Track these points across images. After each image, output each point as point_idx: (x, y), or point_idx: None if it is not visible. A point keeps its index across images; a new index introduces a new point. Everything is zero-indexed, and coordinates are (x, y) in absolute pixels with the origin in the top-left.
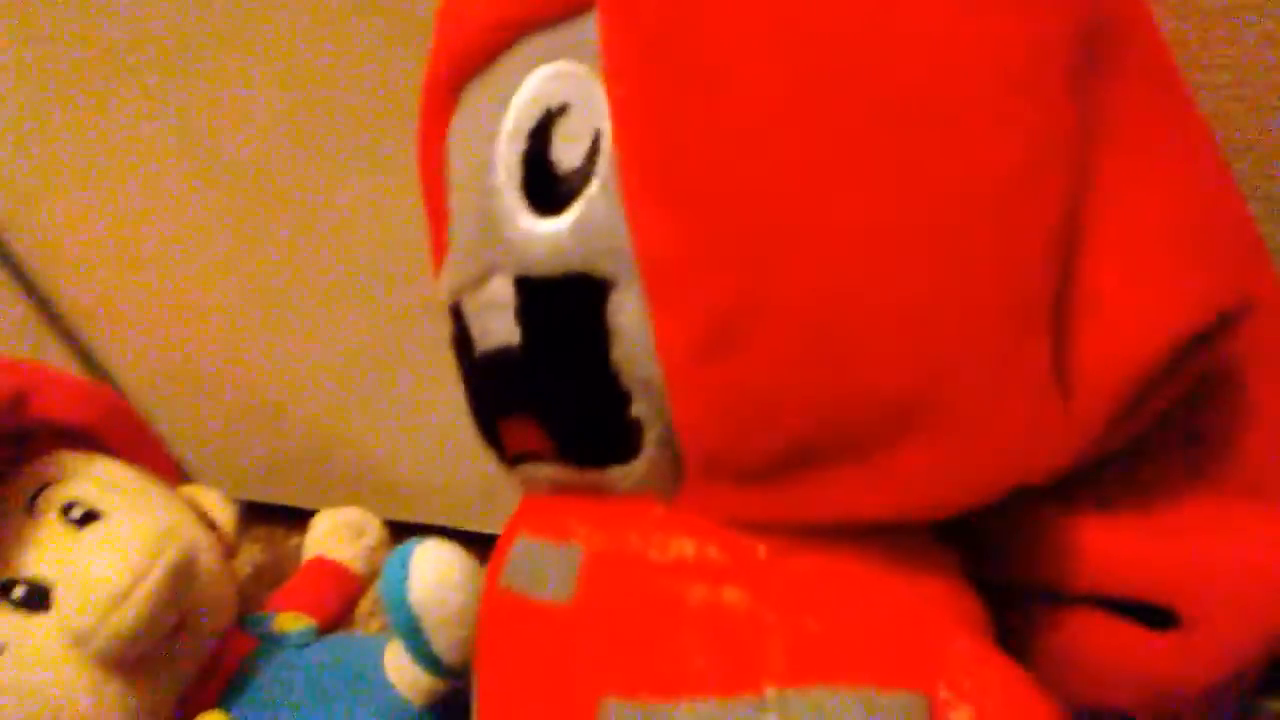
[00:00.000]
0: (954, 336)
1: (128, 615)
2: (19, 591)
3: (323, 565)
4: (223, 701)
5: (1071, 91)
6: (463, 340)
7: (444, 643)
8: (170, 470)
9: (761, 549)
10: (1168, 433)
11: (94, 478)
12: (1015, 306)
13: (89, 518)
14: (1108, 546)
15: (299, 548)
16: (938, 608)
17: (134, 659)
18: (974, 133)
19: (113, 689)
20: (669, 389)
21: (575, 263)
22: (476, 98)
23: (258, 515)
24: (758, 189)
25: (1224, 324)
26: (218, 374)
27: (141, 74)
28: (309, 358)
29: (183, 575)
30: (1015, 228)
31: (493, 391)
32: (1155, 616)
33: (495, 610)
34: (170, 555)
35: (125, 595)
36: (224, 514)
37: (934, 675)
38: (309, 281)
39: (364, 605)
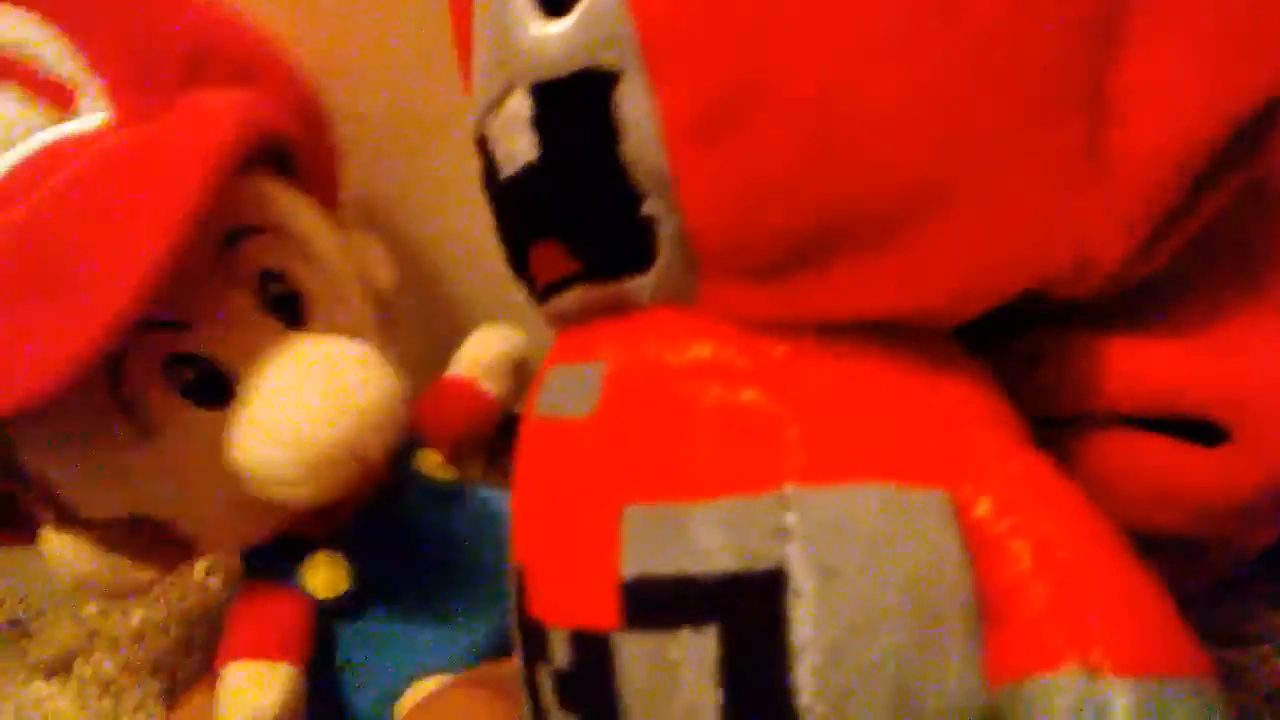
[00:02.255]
0: (972, 114)
1: (323, 489)
2: (189, 374)
3: (473, 394)
4: (345, 537)
5: None
6: (489, 172)
7: None
8: (336, 190)
9: (780, 349)
10: (1211, 247)
11: (298, 241)
12: (1042, 83)
13: (290, 306)
14: (1150, 364)
15: None
16: (965, 409)
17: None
18: None
19: (238, 509)
20: (675, 178)
21: (582, 58)
22: None
23: None
24: None
25: (1273, 113)
26: None
27: None
28: None
29: (388, 455)
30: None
31: (519, 218)
32: (1200, 433)
33: (527, 439)
34: (390, 435)
35: (330, 468)
36: (385, 272)
37: (958, 473)
38: None
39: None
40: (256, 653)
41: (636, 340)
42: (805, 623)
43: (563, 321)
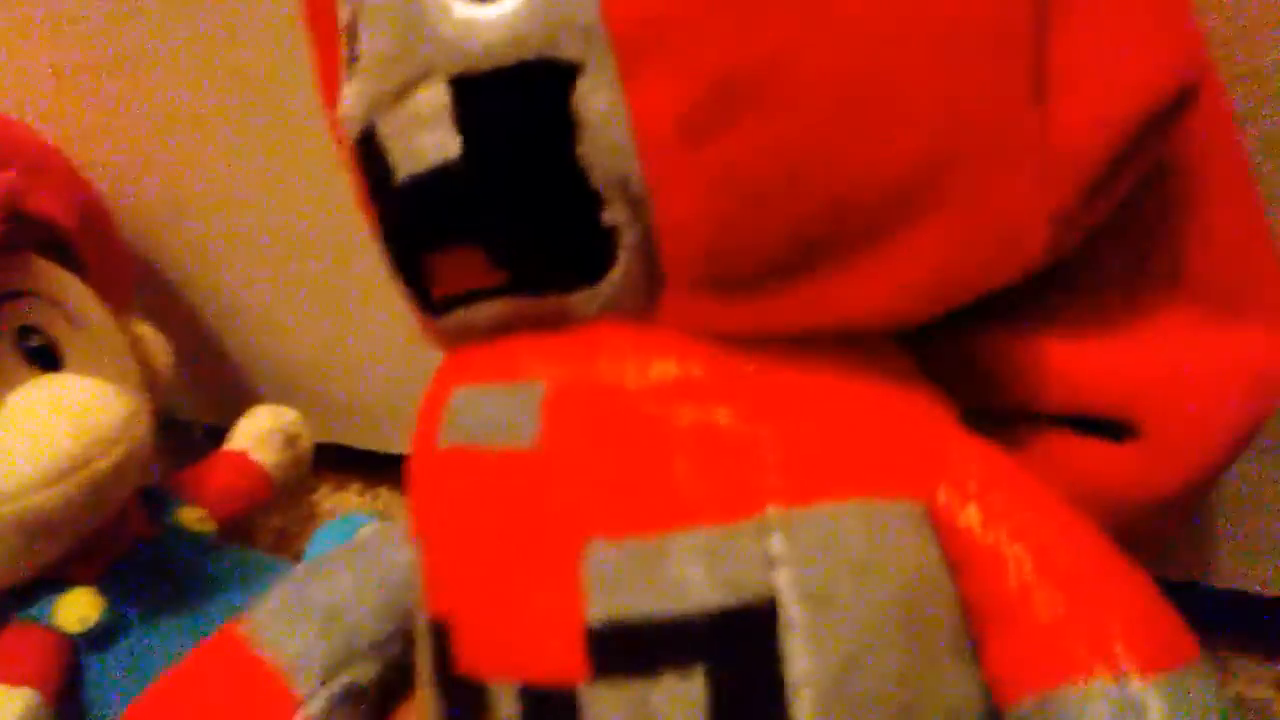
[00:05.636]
0: (961, 109)
1: (56, 498)
2: None
3: (244, 463)
4: (103, 580)
5: None
6: (377, 173)
7: None
8: (127, 292)
9: (749, 365)
10: (1116, 238)
11: (62, 306)
12: (1011, 75)
13: (46, 356)
14: (1062, 361)
15: None
16: (932, 413)
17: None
18: None
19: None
20: (651, 181)
21: (532, 48)
22: None
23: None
24: None
25: (1185, 98)
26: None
27: None
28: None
29: (126, 472)
30: None
31: (422, 223)
32: (1115, 430)
33: (437, 472)
34: (121, 450)
35: (63, 477)
36: (163, 358)
37: (935, 480)
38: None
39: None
40: None
41: (582, 358)
42: (800, 655)
43: (463, 337)
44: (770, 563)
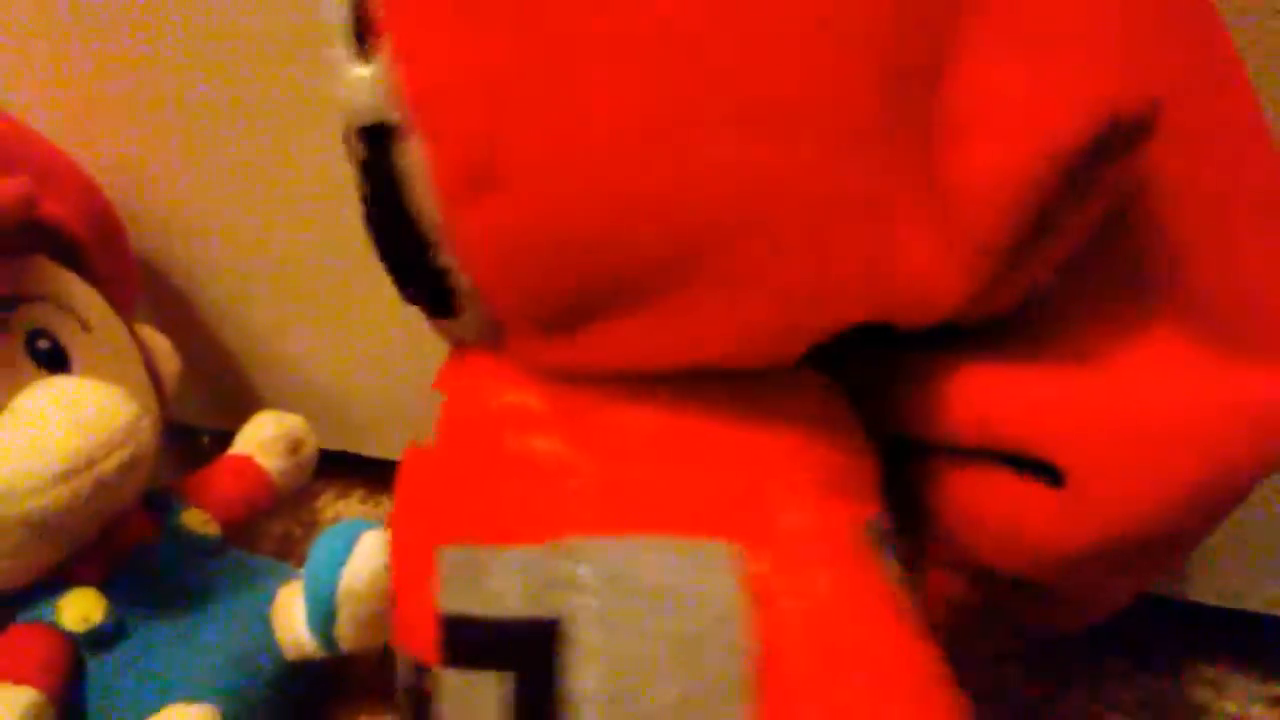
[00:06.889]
0: (746, 167)
1: (61, 498)
2: None
3: (248, 468)
4: (106, 581)
5: None
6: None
7: (349, 632)
8: (134, 297)
9: (580, 398)
10: (1080, 266)
11: (72, 310)
12: (829, 129)
13: (55, 358)
14: (992, 394)
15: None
16: (768, 456)
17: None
18: None
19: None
20: (447, 234)
21: (378, 109)
22: None
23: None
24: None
25: (1130, 132)
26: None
27: None
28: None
29: (131, 474)
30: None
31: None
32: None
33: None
34: (127, 452)
35: (68, 478)
36: (170, 364)
37: (745, 525)
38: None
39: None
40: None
41: (464, 378)
42: (584, 674)
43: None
44: (568, 585)
